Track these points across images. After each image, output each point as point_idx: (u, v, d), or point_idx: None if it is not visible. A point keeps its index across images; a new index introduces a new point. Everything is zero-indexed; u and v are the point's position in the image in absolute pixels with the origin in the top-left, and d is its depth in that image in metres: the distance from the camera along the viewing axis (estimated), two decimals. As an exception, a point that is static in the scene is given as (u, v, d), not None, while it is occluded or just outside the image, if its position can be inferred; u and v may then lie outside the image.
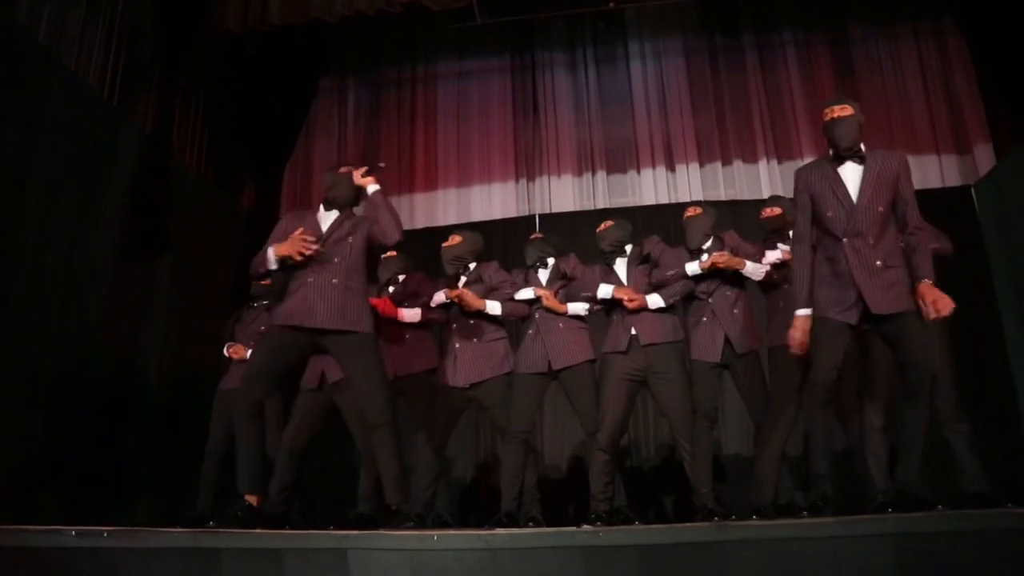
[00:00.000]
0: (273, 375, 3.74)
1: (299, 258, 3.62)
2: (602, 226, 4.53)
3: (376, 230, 3.78)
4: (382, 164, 4.02)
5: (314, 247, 3.62)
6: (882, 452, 4.05)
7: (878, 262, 3.30)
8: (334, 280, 3.67)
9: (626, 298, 4.22)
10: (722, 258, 4.20)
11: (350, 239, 3.77)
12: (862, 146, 3.45)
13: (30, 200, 4.59)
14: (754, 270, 4.30)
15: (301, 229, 3.71)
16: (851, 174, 3.41)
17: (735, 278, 4.33)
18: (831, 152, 3.50)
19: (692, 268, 4.31)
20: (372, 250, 3.90)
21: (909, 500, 3.39)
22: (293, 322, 3.62)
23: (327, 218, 3.88)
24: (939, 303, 3.21)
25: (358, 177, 3.88)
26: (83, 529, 2.55)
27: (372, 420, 3.63)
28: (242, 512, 3.55)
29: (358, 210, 3.88)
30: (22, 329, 4.45)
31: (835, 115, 3.46)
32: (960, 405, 3.99)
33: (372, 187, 3.87)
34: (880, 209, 3.35)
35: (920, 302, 3.25)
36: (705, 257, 4.28)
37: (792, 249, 3.65)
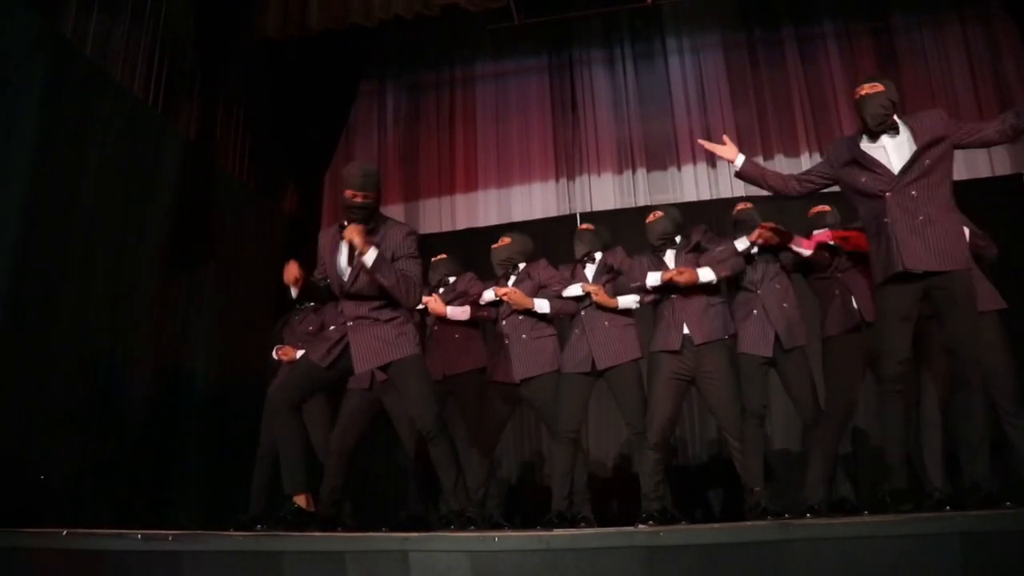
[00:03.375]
0: (315, 385, 3.71)
1: None
2: (651, 217, 4.44)
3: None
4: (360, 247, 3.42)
5: None
6: (939, 448, 4.00)
7: (920, 217, 3.28)
8: (365, 318, 3.54)
9: (675, 274, 4.12)
10: (769, 226, 4.17)
11: (377, 277, 3.48)
12: (896, 118, 3.45)
13: (79, 209, 4.69)
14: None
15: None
16: (889, 144, 3.41)
17: (783, 270, 4.29)
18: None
19: (742, 244, 4.27)
20: None
21: (979, 496, 3.32)
22: (323, 364, 3.55)
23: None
24: None
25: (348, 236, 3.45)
26: (149, 533, 2.60)
27: (425, 433, 3.58)
28: (291, 515, 3.50)
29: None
30: (72, 336, 4.54)
31: (861, 92, 3.47)
32: (1020, 398, 3.90)
33: (369, 256, 3.42)
34: (918, 174, 3.32)
35: None
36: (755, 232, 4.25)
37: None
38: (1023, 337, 5.29)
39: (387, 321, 3.55)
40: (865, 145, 3.47)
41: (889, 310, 3.37)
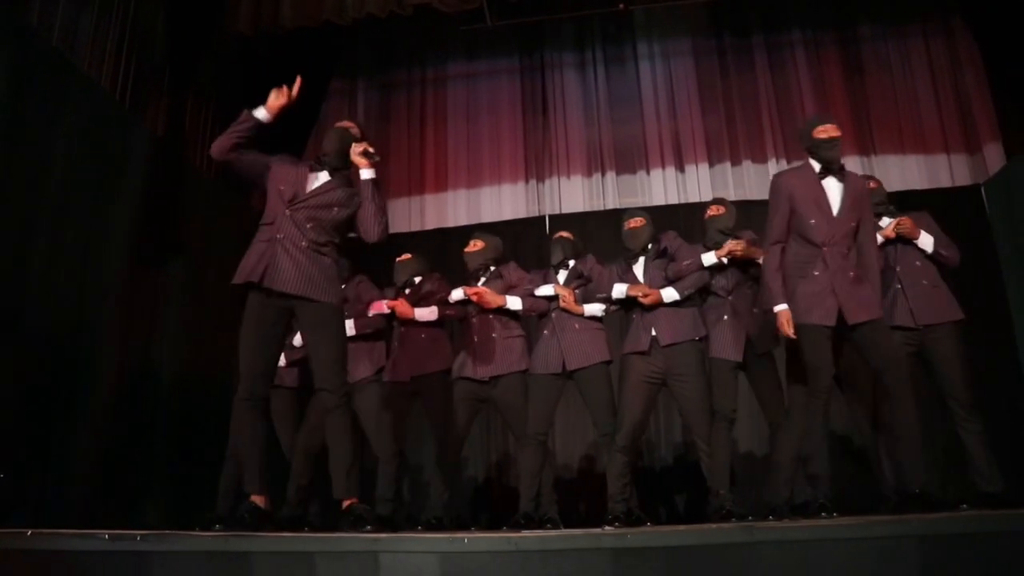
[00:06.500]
0: (269, 357, 3.45)
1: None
2: (634, 223, 4.47)
3: (359, 224, 3.53)
4: (378, 157, 3.58)
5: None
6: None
7: (851, 272, 3.59)
8: (303, 243, 3.37)
9: (640, 294, 4.21)
10: (739, 246, 4.20)
11: (335, 210, 3.48)
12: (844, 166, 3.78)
13: (44, 204, 4.60)
14: None
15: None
16: (833, 188, 3.70)
17: (754, 275, 4.33)
18: (815, 165, 3.76)
19: (708, 258, 4.29)
20: (352, 229, 3.58)
21: (929, 500, 3.43)
22: (254, 278, 3.36)
23: (316, 178, 3.57)
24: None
25: (355, 152, 3.52)
26: (115, 533, 2.57)
27: (325, 399, 3.36)
28: (248, 513, 3.30)
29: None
30: (36, 332, 4.46)
31: (830, 135, 3.71)
32: (974, 405, 4.01)
33: (365, 172, 3.51)
34: (853, 224, 3.66)
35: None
36: (724, 247, 4.27)
37: (767, 248, 3.81)
38: (983, 344, 5.46)
39: (324, 258, 3.42)
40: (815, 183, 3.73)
41: (812, 332, 3.58)
